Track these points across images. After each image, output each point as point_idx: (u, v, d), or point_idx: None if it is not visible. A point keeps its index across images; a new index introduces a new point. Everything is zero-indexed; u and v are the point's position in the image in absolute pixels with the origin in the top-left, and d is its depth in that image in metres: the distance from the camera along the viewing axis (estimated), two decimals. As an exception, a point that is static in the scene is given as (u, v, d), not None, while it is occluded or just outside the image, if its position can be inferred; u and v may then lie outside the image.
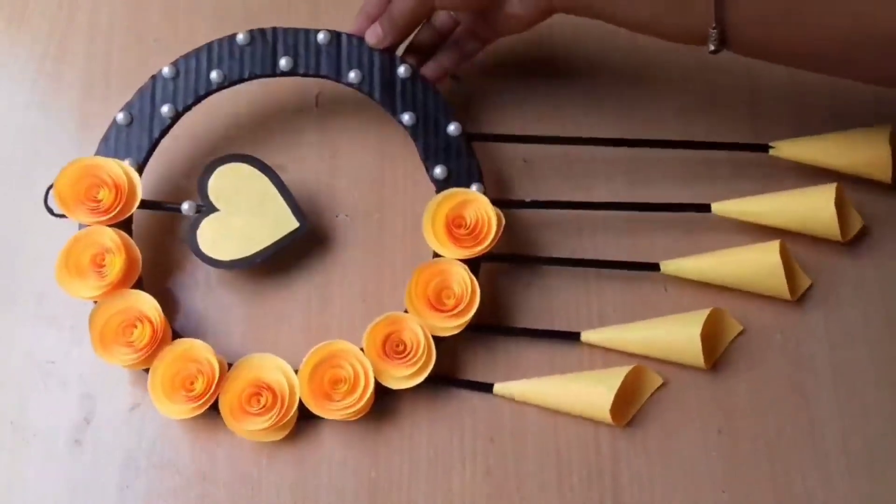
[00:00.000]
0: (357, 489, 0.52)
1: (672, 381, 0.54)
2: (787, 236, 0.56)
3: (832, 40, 0.46)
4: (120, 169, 0.54)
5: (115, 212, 0.53)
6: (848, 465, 0.52)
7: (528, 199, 0.57)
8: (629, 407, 0.53)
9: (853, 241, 0.57)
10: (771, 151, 0.58)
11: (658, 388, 0.54)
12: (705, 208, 0.57)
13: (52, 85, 0.62)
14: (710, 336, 0.54)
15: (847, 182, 0.56)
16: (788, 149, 0.58)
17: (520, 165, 0.60)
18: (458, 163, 0.56)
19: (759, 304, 0.55)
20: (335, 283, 0.56)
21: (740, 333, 0.55)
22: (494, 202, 0.55)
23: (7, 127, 0.61)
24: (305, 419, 0.52)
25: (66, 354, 0.55)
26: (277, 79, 0.58)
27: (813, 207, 0.55)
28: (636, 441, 0.53)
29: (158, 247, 0.57)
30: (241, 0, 0.65)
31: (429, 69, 0.57)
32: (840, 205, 0.55)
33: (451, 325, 0.52)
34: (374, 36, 0.56)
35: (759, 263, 0.54)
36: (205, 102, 0.57)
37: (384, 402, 0.53)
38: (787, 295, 0.54)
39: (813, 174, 0.57)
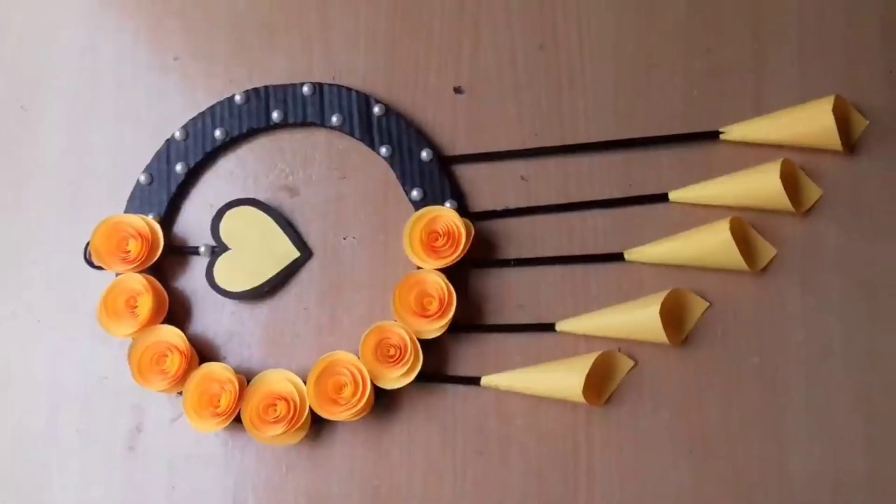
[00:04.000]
0: (362, 496, 0.59)
1: (644, 362, 0.59)
2: (747, 213, 0.60)
3: None
4: (143, 222, 0.63)
5: (143, 259, 0.62)
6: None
7: (500, 209, 0.63)
8: (603, 388, 0.59)
9: (815, 210, 0.60)
10: (722, 136, 0.62)
11: (631, 369, 0.59)
12: (663, 198, 0.61)
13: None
14: (676, 316, 0.59)
15: (807, 154, 0.60)
16: (739, 132, 0.61)
17: (517, 183, 0.63)
18: (433, 184, 0.63)
19: (726, 277, 0.60)
20: (344, 304, 0.62)
21: (708, 308, 0.59)
22: (473, 214, 0.62)
23: (82, 144, 0.67)
24: (318, 433, 0.60)
25: (116, 370, 0.62)
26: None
27: (761, 184, 0.59)
28: (610, 421, 0.58)
29: (185, 285, 0.64)
30: (253, 14, 0.67)
31: None
32: (792, 177, 0.59)
33: (434, 327, 0.59)
34: None
35: (713, 241, 0.58)
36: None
37: (384, 411, 0.60)
38: (745, 267, 0.58)
39: (769, 155, 0.60)
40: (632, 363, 0.59)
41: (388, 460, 0.60)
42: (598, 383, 0.58)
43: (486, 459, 0.59)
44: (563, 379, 0.57)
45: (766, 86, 0.62)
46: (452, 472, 0.59)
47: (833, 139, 0.59)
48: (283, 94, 0.65)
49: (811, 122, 0.59)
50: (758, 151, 0.61)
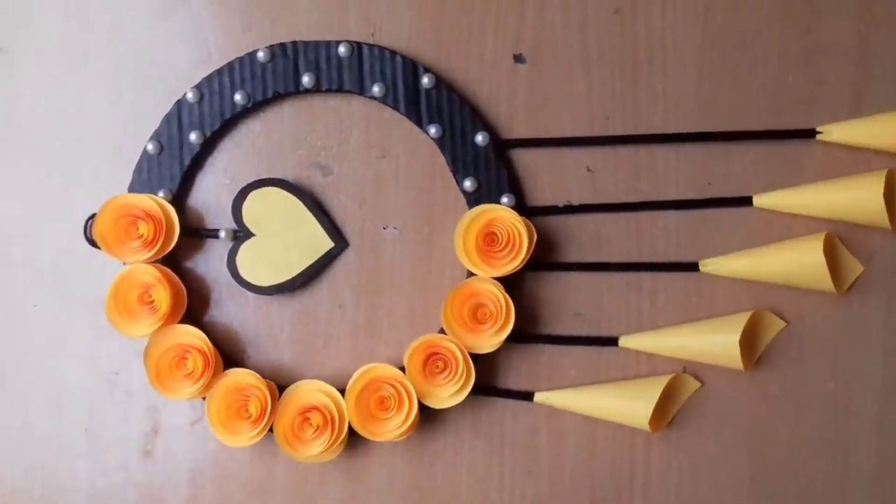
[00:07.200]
0: (402, 511, 0.56)
1: (710, 382, 0.55)
2: (836, 224, 0.54)
3: None
4: (156, 205, 0.54)
5: (158, 247, 0.54)
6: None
7: (561, 205, 0.56)
8: (665, 410, 0.55)
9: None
10: (819, 137, 0.55)
11: (696, 390, 0.55)
12: (746, 201, 0.55)
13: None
14: (751, 337, 0.54)
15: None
16: (839, 133, 0.54)
17: (582, 175, 0.56)
18: (488, 174, 0.55)
19: (805, 294, 0.55)
20: (383, 303, 0.56)
21: (784, 328, 0.55)
22: (532, 209, 0.55)
23: (82, 121, 0.57)
24: (354, 442, 0.55)
25: (128, 365, 0.56)
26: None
27: (860, 197, 0.53)
28: (670, 443, 0.55)
29: (203, 270, 0.57)
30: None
31: None
32: (892, 188, 0.53)
33: (488, 344, 0.53)
34: None
35: (802, 261, 0.53)
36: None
37: (427, 422, 0.55)
38: (833, 289, 0.53)
39: (868, 161, 0.54)
40: (698, 385, 0.55)
41: (431, 475, 0.56)
42: (661, 405, 0.54)
43: (536, 479, 0.55)
44: (629, 405, 0.53)
45: (868, 75, 0.55)
46: (500, 491, 0.55)
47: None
48: (315, 53, 0.55)
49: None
50: (856, 155, 0.54)
